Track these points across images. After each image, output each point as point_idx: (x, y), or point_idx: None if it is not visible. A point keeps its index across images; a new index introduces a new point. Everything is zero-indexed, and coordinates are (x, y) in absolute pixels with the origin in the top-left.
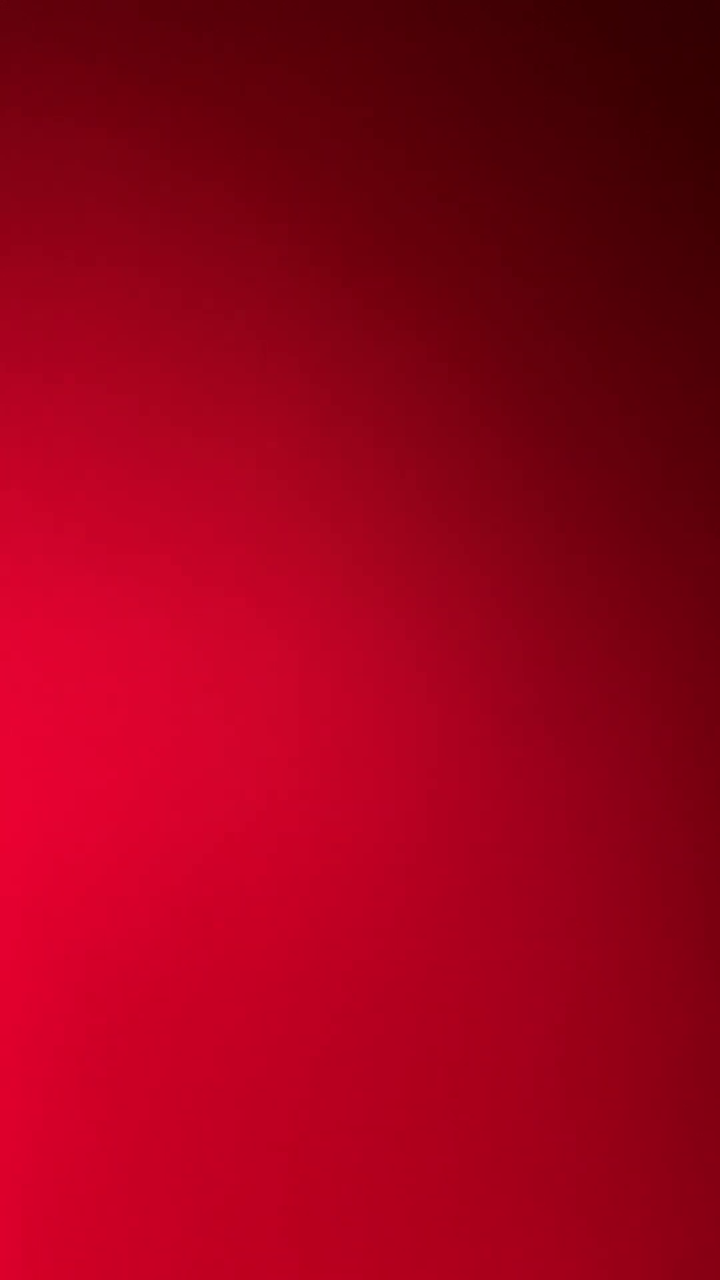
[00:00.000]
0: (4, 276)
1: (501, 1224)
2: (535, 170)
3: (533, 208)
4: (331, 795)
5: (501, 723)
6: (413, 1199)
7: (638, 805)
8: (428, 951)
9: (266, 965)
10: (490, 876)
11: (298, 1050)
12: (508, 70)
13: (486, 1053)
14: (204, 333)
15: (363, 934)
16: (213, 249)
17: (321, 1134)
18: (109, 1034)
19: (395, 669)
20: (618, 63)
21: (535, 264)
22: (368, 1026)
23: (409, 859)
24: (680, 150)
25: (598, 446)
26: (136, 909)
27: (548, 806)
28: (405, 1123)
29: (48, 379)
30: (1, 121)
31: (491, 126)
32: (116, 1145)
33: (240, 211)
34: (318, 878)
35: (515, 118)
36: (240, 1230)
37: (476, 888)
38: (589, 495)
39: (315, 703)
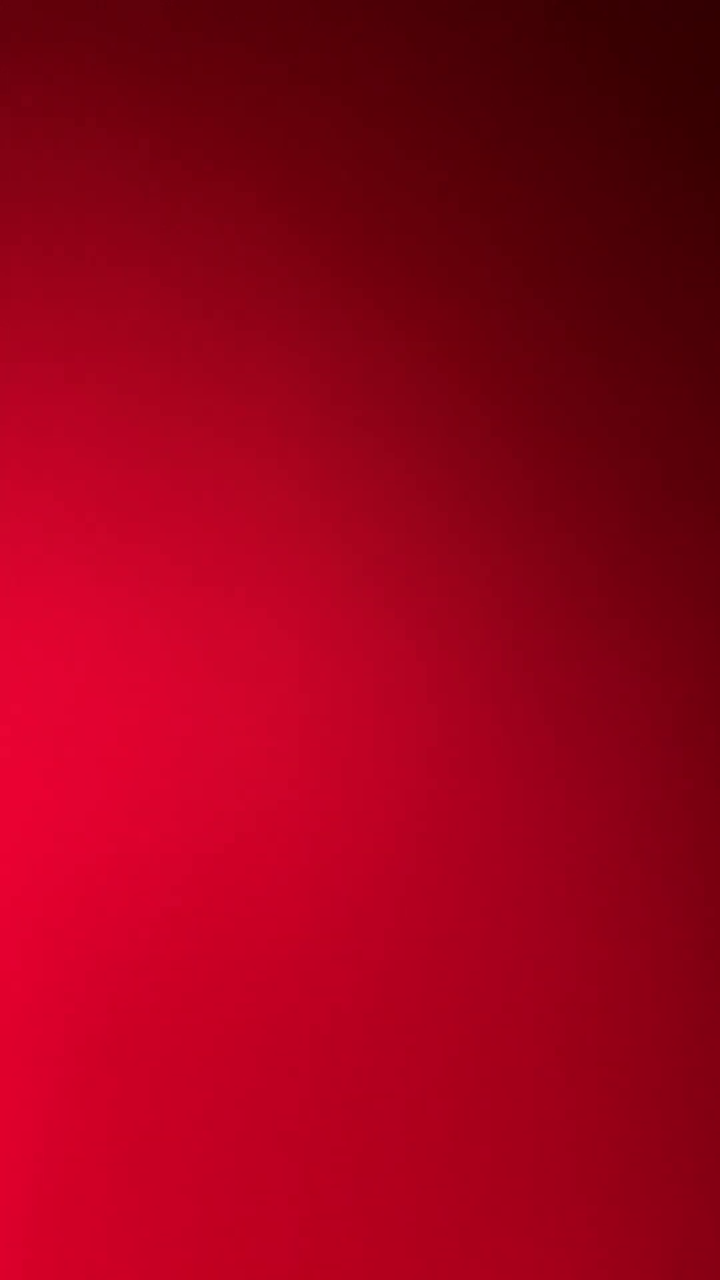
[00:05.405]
0: (6, 274)
1: (500, 1221)
2: (540, 170)
3: (537, 208)
4: (333, 795)
5: (504, 723)
6: (414, 1192)
7: (639, 805)
8: (428, 952)
9: (268, 965)
10: (491, 878)
11: (299, 1049)
12: (509, 68)
13: (487, 1050)
14: (206, 330)
15: (364, 934)
16: (214, 245)
17: (324, 1132)
18: (112, 1032)
19: (397, 668)
20: (618, 59)
21: (539, 264)
22: (369, 1026)
23: (410, 860)
24: (683, 150)
25: (601, 446)
26: (138, 908)
27: (549, 806)
28: (407, 1119)
29: (50, 376)
30: (3, 120)
31: (495, 124)
32: (120, 1145)
33: (243, 209)
34: (319, 877)
35: (518, 115)
36: (244, 1225)
37: (477, 888)
38: (591, 494)
39: (317, 702)
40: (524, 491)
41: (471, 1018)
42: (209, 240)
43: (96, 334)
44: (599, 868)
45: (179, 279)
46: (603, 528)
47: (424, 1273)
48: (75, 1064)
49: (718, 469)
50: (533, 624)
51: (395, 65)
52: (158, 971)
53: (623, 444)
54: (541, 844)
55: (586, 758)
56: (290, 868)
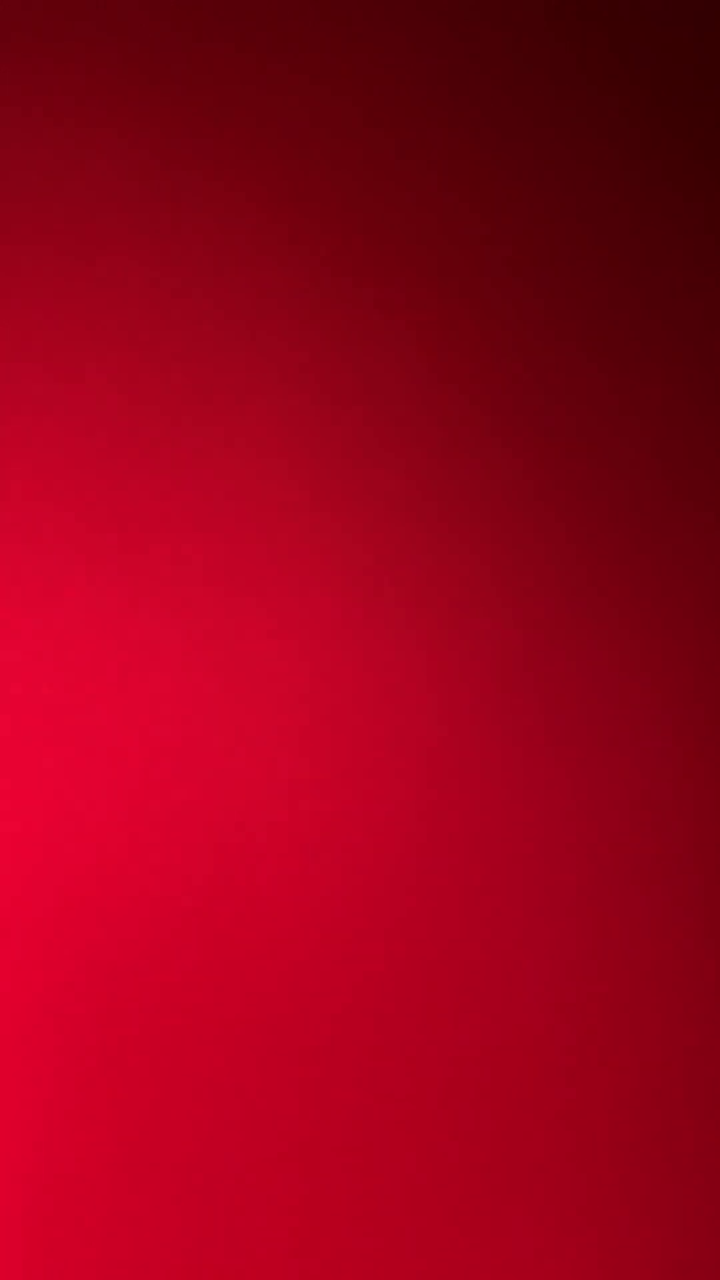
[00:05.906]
0: (8, 273)
1: (500, 1223)
2: (540, 170)
3: (537, 208)
4: (334, 797)
5: (505, 724)
6: (414, 1195)
7: (639, 804)
8: (429, 955)
9: (268, 970)
10: (492, 880)
11: (299, 1053)
12: (510, 68)
13: (488, 1053)
14: (207, 332)
15: (366, 934)
16: (215, 246)
17: (323, 1136)
18: (111, 1036)
19: (399, 668)
20: (618, 59)
21: (539, 264)
22: (370, 1026)
23: (411, 862)
24: (683, 150)
25: (601, 446)
26: (141, 907)
27: (550, 807)
28: (406, 1122)
29: (51, 376)
30: (4, 120)
31: (495, 124)
32: (118, 1148)
33: (243, 209)
34: (321, 877)
35: (518, 115)
36: (242, 1228)
37: (479, 890)
38: (592, 494)
39: (318, 704)
40: (524, 491)
41: (472, 1021)
42: (209, 241)
43: (96, 334)
44: (599, 868)
45: (179, 279)
46: (603, 527)
47: (424, 1275)
48: (74, 1067)
49: (718, 469)
50: (533, 624)
51: (395, 65)
52: (157, 975)
53: (623, 444)
54: (542, 845)
55: (587, 757)
56: (291, 872)
